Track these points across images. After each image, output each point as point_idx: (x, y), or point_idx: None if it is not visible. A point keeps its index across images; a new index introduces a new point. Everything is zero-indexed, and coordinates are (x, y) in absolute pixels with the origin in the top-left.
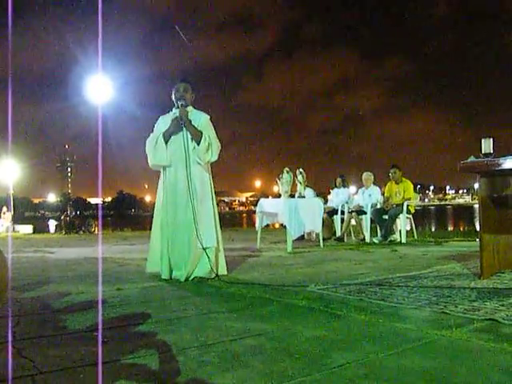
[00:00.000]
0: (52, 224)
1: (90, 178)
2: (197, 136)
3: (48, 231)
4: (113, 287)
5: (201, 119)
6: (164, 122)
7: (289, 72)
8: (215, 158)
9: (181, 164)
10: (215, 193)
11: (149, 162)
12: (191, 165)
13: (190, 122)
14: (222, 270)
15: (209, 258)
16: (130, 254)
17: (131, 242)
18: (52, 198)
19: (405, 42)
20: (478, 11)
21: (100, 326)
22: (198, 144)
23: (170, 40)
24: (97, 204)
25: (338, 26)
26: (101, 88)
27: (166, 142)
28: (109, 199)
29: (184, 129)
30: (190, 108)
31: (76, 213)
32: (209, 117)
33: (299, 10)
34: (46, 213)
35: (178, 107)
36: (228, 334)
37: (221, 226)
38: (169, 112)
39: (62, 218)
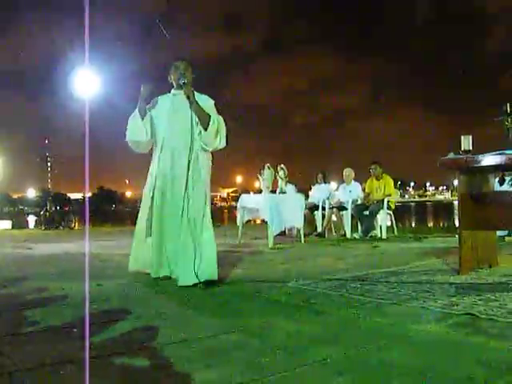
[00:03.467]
0: (31, 219)
1: (71, 173)
2: (204, 119)
3: (27, 227)
4: (92, 283)
5: (206, 103)
6: (161, 104)
7: (274, 70)
8: (224, 144)
9: (183, 149)
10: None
11: (127, 141)
12: (197, 153)
13: (197, 102)
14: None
15: (196, 259)
16: (110, 250)
17: (111, 238)
18: (31, 193)
19: (389, 42)
20: (459, 14)
21: (79, 323)
22: (206, 128)
23: (158, 37)
24: (77, 199)
25: (325, 25)
26: (86, 82)
27: (144, 115)
28: (89, 194)
29: (189, 111)
30: (195, 92)
31: (56, 208)
32: (213, 102)
33: (287, 10)
34: (26, 208)
35: (181, 86)
36: (210, 329)
37: None
38: (166, 94)
39: (42, 213)
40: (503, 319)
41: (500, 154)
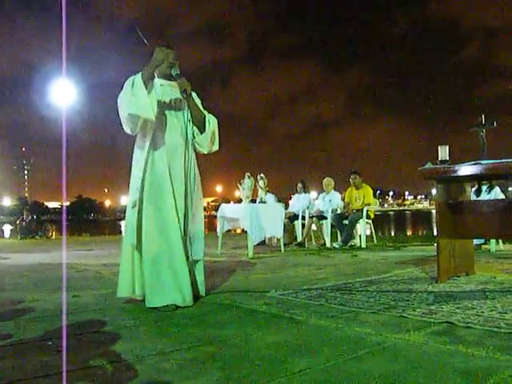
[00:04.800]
0: (7, 229)
1: (48, 181)
2: (200, 118)
3: (2, 236)
4: (69, 294)
5: (195, 99)
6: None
7: (255, 80)
8: (217, 147)
9: (179, 150)
10: None
11: (123, 116)
12: (191, 152)
13: (193, 98)
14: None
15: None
16: (87, 260)
17: (89, 248)
18: (7, 201)
19: (366, 53)
20: (435, 27)
21: (55, 335)
22: (203, 129)
23: (136, 46)
24: (54, 208)
25: (303, 36)
26: (63, 92)
27: (148, 87)
28: (67, 203)
29: (183, 106)
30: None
31: (32, 217)
32: (200, 100)
33: (267, 21)
34: (1, 217)
35: (171, 77)
36: (187, 340)
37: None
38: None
39: (18, 222)
40: (480, 327)
41: (476, 163)
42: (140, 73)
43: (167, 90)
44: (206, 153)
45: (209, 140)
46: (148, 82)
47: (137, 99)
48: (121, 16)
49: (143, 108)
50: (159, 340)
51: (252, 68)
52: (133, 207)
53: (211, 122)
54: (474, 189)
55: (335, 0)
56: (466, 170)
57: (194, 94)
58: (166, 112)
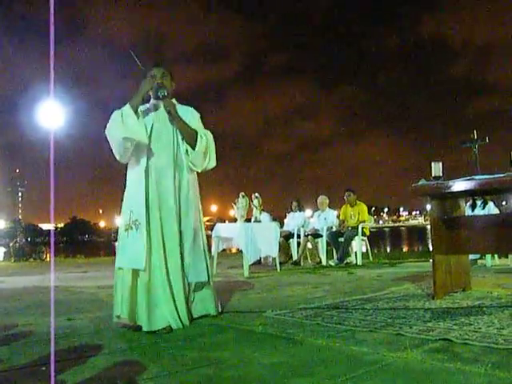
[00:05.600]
0: (0, 251)
1: (42, 203)
2: (191, 136)
3: None
4: (63, 317)
5: (189, 116)
6: (143, 115)
7: (248, 99)
8: (214, 163)
9: (169, 171)
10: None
11: (115, 143)
12: (183, 172)
13: (180, 117)
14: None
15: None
16: (82, 282)
17: (84, 270)
18: (1, 223)
19: (359, 71)
20: (426, 44)
21: (49, 360)
22: (194, 146)
23: (132, 68)
24: (49, 230)
25: (296, 56)
26: (53, 113)
27: (137, 116)
28: (61, 225)
29: (172, 126)
30: (175, 102)
31: (27, 239)
32: (199, 114)
33: (260, 41)
34: None
35: (158, 98)
36: (183, 363)
37: None
38: (145, 105)
39: (12, 244)
40: (478, 343)
41: (469, 179)
42: (128, 103)
43: (160, 109)
44: (200, 170)
45: (201, 156)
46: (136, 110)
47: (127, 126)
48: (114, 37)
49: (136, 132)
50: (155, 363)
51: (246, 87)
52: (125, 230)
53: (204, 138)
54: (468, 204)
55: (326, 20)
56: (459, 185)
57: (190, 109)
58: (156, 133)
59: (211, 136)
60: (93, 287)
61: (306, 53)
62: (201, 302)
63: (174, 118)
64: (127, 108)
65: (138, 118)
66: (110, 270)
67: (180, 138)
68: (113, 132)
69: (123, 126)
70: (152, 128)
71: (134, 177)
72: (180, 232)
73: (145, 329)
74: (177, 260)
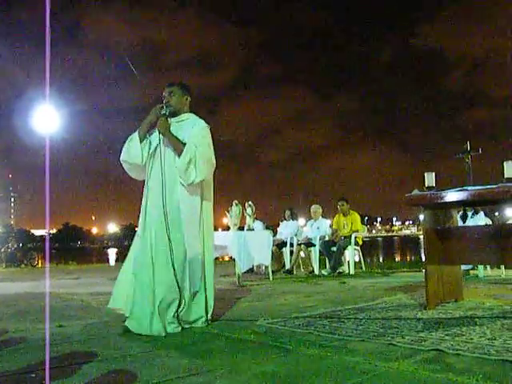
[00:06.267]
0: None
1: (34, 208)
2: (178, 151)
3: None
4: (54, 324)
5: (193, 128)
6: (157, 133)
7: (242, 108)
8: (201, 177)
9: (157, 188)
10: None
11: (121, 161)
12: (174, 187)
13: (172, 134)
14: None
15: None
16: (74, 289)
17: (76, 276)
18: None
19: (353, 81)
20: (422, 55)
21: (38, 367)
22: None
23: (127, 76)
24: (41, 236)
25: (291, 65)
26: (47, 118)
27: (142, 139)
28: (54, 231)
29: (161, 142)
30: (185, 115)
31: (18, 245)
32: (206, 125)
33: (255, 50)
34: None
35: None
36: (174, 371)
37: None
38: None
39: (3, 250)
40: (470, 354)
41: (462, 189)
42: (138, 129)
43: (173, 126)
44: (187, 184)
45: (182, 170)
46: (141, 134)
47: (128, 150)
48: (111, 43)
49: (133, 155)
50: (146, 371)
51: (240, 96)
52: (137, 236)
53: (189, 153)
54: (459, 214)
55: (321, 31)
56: (452, 196)
57: (198, 122)
58: (155, 152)
59: (204, 150)
60: (84, 294)
61: (300, 63)
62: (193, 307)
63: (164, 135)
64: (135, 134)
65: (144, 142)
66: (102, 276)
67: (170, 153)
68: (120, 155)
69: (125, 150)
70: (155, 148)
71: (144, 189)
72: (172, 243)
73: (133, 330)
74: (162, 269)
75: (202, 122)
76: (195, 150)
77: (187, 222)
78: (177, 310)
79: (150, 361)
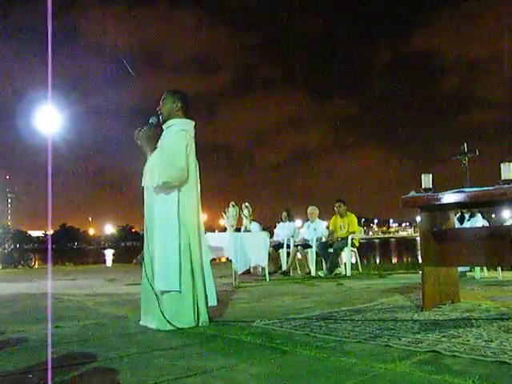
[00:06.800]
0: None
1: (31, 209)
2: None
3: None
4: (51, 325)
5: (167, 133)
6: None
7: (240, 110)
8: (163, 180)
9: (144, 193)
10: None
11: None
12: (149, 191)
13: (146, 141)
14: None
15: (159, 304)
16: (70, 290)
17: (73, 277)
18: None
19: (350, 84)
20: (419, 59)
21: (36, 368)
22: None
23: (124, 77)
24: (38, 237)
25: (288, 68)
26: (48, 119)
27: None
28: (51, 232)
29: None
30: (171, 121)
31: (15, 246)
32: (180, 130)
33: (253, 52)
34: None
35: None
36: (171, 372)
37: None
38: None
39: (0, 251)
40: (466, 355)
41: (459, 191)
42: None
43: (164, 133)
44: (153, 186)
45: (148, 173)
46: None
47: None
48: (109, 43)
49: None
50: (143, 372)
51: (238, 98)
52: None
53: (154, 156)
54: (457, 215)
55: (318, 33)
56: (449, 197)
57: (174, 131)
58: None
59: (170, 153)
60: (81, 295)
61: (297, 65)
62: (174, 309)
63: (141, 146)
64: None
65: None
66: (99, 277)
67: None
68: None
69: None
70: None
71: None
72: (149, 244)
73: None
74: (146, 268)
75: (182, 126)
76: (161, 154)
77: (159, 224)
78: (160, 310)
79: (147, 362)
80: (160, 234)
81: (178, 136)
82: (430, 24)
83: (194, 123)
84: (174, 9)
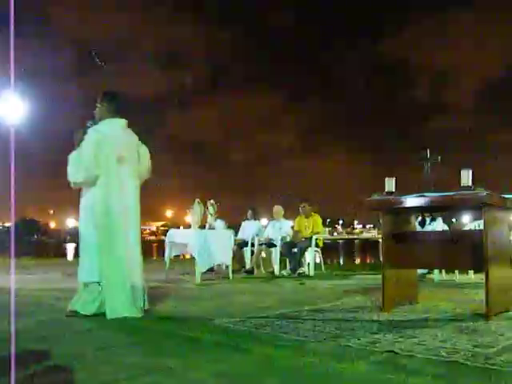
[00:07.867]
0: None
1: None
2: None
3: None
4: (5, 321)
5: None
6: None
7: (211, 107)
8: (69, 177)
9: None
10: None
11: None
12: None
13: (76, 143)
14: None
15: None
16: (27, 285)
17: (30, 272)
18: None
19: (322, 87)
20: (387, 66)
21: None
22: None
23: (96, 71)
24: None
25: (261, 65)
26: (11, 107)
27: None
28: (9, 224)
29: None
30: (100, 123)
31: None
32: (96, 128)
33: (228, 49)
34: None
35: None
36: (128, 370)
37: None
38: None
39: None
40: (422, 356)
41: (421, 195)
42: None
43: None
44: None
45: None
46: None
47: None
48: (76, 34)
49: None
50: (99, 370)
51: (209, 95)
52: None
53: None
54: (418, 219)
55: (291, 34)
56: (410, 201)
57: (101, 123)
58: None
59: (76, 152)
60: (39, 290)
61: (269, 65)
62: (107, 301)
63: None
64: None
65: None
66: (58, 271)
67: None
68: None
69: None
70: None
71: None
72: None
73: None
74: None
75: (98, 126)
76: (74, 155)
77: (83, 218)
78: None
79: (104, 359)
80: (83, 228)
81: (87, 137)
82: (400, 32)
83: (122, 121)
84: (149, 3)
